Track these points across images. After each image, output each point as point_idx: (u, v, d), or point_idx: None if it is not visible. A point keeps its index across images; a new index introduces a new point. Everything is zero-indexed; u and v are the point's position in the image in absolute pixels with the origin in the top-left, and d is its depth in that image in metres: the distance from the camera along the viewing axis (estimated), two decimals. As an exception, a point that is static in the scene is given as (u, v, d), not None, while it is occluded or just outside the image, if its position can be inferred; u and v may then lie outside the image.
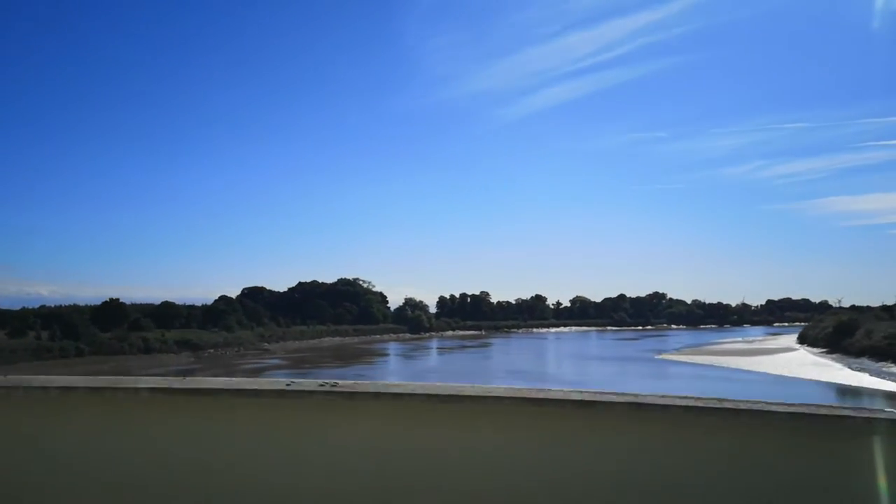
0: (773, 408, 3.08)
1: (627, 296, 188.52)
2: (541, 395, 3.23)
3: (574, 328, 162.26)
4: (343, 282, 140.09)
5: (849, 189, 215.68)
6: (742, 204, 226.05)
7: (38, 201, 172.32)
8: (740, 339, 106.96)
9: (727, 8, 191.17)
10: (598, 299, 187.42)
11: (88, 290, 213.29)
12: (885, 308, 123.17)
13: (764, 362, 57.69)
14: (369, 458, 3.08)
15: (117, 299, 77.49)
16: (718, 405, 3.09)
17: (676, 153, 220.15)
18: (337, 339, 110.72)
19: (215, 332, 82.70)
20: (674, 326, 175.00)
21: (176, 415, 3.23)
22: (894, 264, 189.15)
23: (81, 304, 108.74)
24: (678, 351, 78.00)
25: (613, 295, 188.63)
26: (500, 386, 3.45)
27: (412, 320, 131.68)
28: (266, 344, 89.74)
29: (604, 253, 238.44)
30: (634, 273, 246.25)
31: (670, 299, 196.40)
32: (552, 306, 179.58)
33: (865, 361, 52.42)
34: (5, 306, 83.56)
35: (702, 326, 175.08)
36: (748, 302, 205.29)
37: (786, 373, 49.05)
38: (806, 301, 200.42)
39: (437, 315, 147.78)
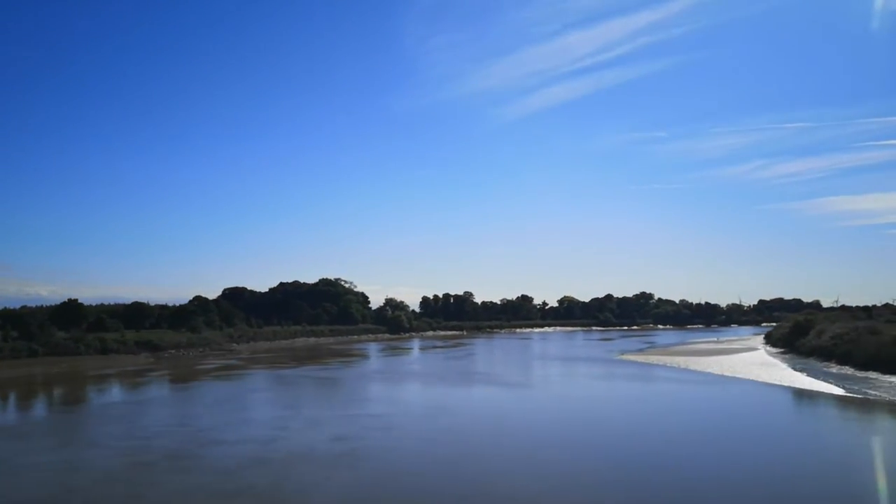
0: None
1: (615, 296, 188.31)
2: None
3: (559, 328, 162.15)
4: (324, 282, 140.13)
5: (848, 189, 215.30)
6: (741, 204, 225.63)
7: (39, 202, 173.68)
8: (715, 339, 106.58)
9: (727, 8, 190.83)
10: (588, 299, 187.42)
11: (88, 290, 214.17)
12: (863, 308, 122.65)
13: (716, 362, 57.37)
14: None
15: (76, 300, 77.52)
16: None
17: (675, 153, 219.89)
18: (312, 340, 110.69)
19: (181, 332, 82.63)
20: (660, 326, 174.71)
21: None
22: (894, 264, 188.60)
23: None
24: (642, 351, 77.69)
25: (603, 295, 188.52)
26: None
27: (391, 320, 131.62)
28: (235, 344, 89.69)
29: (595, 253, 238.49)
30: (624, 273, 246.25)
31: (659, 299, 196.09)
32: (539, 306, 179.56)
33: (811, 361, 52.10)
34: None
35: (689, 326, 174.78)
36: (742, 302, 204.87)
37: (728, 373, 48.74)
38: (797, 301, 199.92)
39: (419, 315, 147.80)
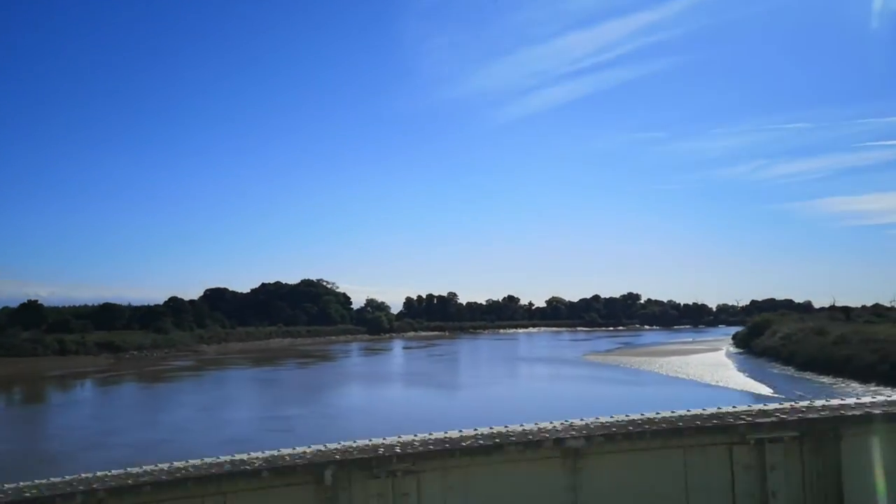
0: None
1: (602, 296, 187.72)
2: None
3: (544, 329, 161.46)
4: (306, 282, 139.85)
5: (847, 189, 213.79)
6: (740, 204, 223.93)
7: (38, 203, 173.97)
8: (692, 339, 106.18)
9: (725, 9, 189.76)
10: (576, 299, 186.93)
11: (88, 290, 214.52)
12: (841, 309, 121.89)
13: (669, 363, 57.00)
14: None
15: (35, 301, 77.36)
16: None
17: (675, 154, 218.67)
18: (287, 341, 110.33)
19: (147, 333, 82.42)
20: (646, 327, 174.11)
21: None
22: (893, 264, 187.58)
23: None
24: (610, 352, 77.44)
25: (591, 295, 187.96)
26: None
27: (371, 321, 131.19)
28: (205, 346, 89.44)
29: (590, 254, 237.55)
30: (614, 274, 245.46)
31: (648, 300, 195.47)
32: (525, 307, 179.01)
33: (761, 361, 51.78)
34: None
35: (676, 327, 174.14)
36: (734, 302, 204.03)
37: (673, 374, 48.45)
38: (789, 301, 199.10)
39: (402, 316, 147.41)
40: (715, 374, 46.95)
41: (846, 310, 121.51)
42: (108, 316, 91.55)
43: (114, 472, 4.95)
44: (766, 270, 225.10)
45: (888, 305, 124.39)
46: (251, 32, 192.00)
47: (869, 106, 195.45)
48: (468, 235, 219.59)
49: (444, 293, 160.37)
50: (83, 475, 4.84)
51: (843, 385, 36.57)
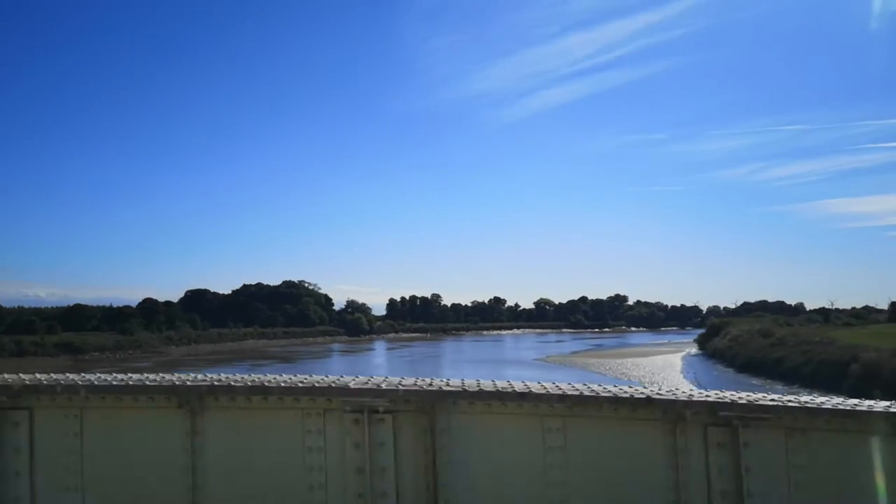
0: None
1: (589, 298, 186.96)
2: None
3: (528, 331, 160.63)
4: (287, 284, 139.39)
5: (846, 191, 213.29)
6: (738, 206, 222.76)
7: (38, 204, 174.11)
8: (667, 341, 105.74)
9: (725, 11, 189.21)
10: (565, 301, 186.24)
11: (88, 291, 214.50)
12: (819, 311, 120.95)
13: (623, 365, 56.53)
14: None
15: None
16: None
17: (674, 155, 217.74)
18: (262, 342, 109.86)
19: (113, 335, 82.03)
20: (633, 329, 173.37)
21: None
22: (892, 265, 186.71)
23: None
24: (575, 353, 77.14)
25: (579, 297, 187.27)
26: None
27: (351, 323, 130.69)
28: (174, 346, 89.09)
29: (584, 255, 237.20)
30: (604, 275, 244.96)
31: (637, 301, 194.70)
32: (511, 308, 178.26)
33: (711, 362, 51.22)
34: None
35: (663, 329, 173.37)
36: (729, 304, 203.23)
37: (621, 376, 47.96)
38: (780, 303, 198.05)
39: (384, 317, 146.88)
40: (658, 375, 46.40)
41: (825, 311, 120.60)
42: (77, 317, 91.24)
43: None
44: (763, 273, 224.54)
45: (876, 307, 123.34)
46: (251, 32, 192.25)
47: (868, 108, 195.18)
48: (458, 237, 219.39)
49: (428, 295, 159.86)
50: None
51: (768, 387, 35.97)
